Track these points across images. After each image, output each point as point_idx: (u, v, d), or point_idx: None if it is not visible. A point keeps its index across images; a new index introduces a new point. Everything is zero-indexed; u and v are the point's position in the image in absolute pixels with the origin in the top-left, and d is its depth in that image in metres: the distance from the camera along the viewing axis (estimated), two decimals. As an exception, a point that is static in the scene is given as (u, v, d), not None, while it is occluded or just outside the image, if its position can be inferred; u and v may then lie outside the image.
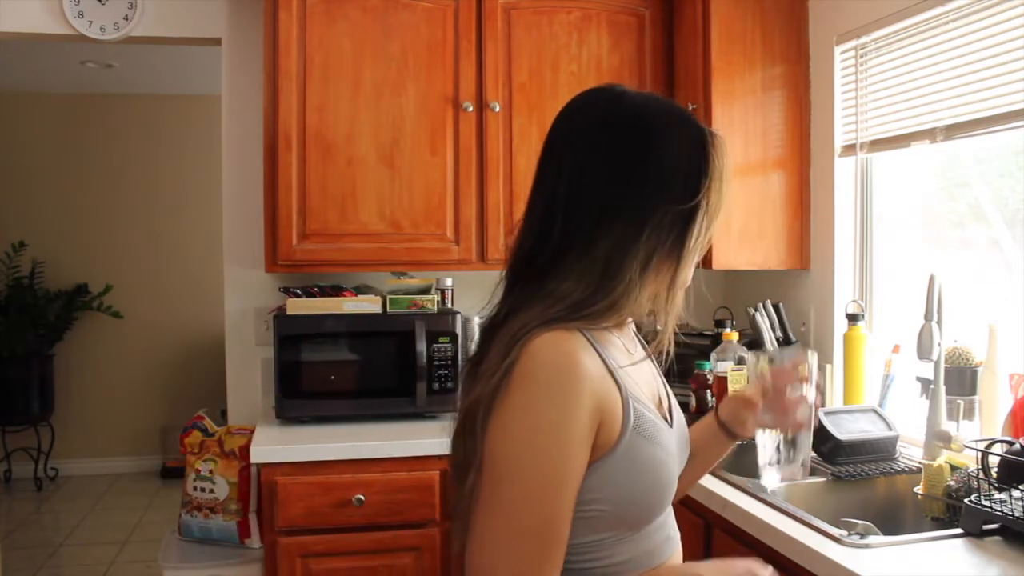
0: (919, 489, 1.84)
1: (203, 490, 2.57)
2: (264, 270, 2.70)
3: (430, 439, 2.39)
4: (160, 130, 6.05)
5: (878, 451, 2.10)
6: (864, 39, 2.42)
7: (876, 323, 2.49)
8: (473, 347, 1.17)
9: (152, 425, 6.02)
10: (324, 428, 2.52)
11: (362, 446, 2.37)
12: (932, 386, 2.05)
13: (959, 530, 1.59)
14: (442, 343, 2.62)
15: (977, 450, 1.64)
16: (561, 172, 1.10)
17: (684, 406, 2.47)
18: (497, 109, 2.70)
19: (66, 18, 2.82)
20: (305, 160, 2.61)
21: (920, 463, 1.99)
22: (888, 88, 2.35)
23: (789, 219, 2.67)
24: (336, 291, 2.70)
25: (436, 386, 2.61)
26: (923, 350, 1.98)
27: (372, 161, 2.65)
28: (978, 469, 1.63)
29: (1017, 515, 1.52)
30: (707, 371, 2.50)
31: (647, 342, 1.19)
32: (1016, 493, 1.54)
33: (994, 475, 1.62)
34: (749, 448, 1.40)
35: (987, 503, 1.57)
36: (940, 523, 1.75)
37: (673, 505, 1.19)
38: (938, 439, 1.99)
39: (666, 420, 1.16)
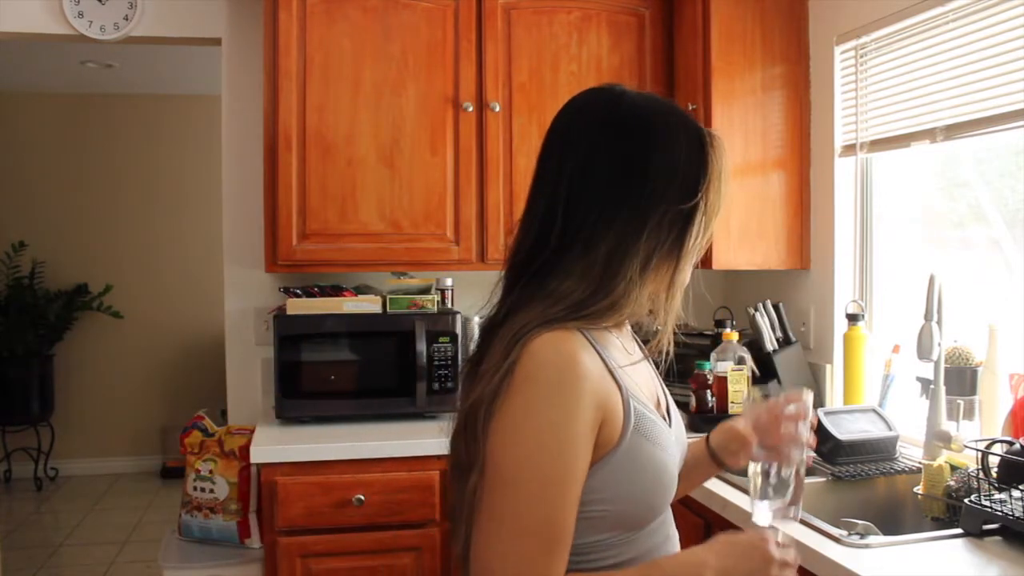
0: (919, 489, 1.85)
1: (203, 490, 2.57)
2: (264, 270, 2.70)
3: (430, 439, 2.39)
4: (160, 130, 6.06)
5: (878, 451, 2.10)
6: (864, 39, 2.42)
7: (876, 323, 2.49)
8: (472, 347, 1.17)
9: (152, 425, 6.02)
10: (324, 428, 2.52)
11: (362, 446, 2.37)
12: (932, 386, 2.05)
13: (959, 530, 1.59)
14: (442, 343, 2.62)
15: (977, 450, 1.64)
16: (561, 172, 1.10)
17: (684, 406, 2.49)
18: (497, 109, 2.70)
19: (66, 18, 2.82)
20: (305, 160, 2.61)
21: (920, 463, 1.99)
22: (888, 88, 2.35)
23: (789, 219, 2.67)
24: (336, 291, 2.70)
25: (436, 386, 2.61)
26: (923, 350, 1.98)
27: (372, 161, 2.65)
28: (978, 469, 1.63)
29: (1017, 515, 1.52)
30: (707, 371, 2.50)
31: (645, 342, 1.19)
32: (1016, 493, 1.54)
33: (994, 475, 1.62)
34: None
35: (987, 503, 1.57)
36: (940, 523, 1.76)
37: (672, 505, 1.19)
38: (938, 439, 1.99)
39: (664, 420, 1.16)
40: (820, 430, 2.05)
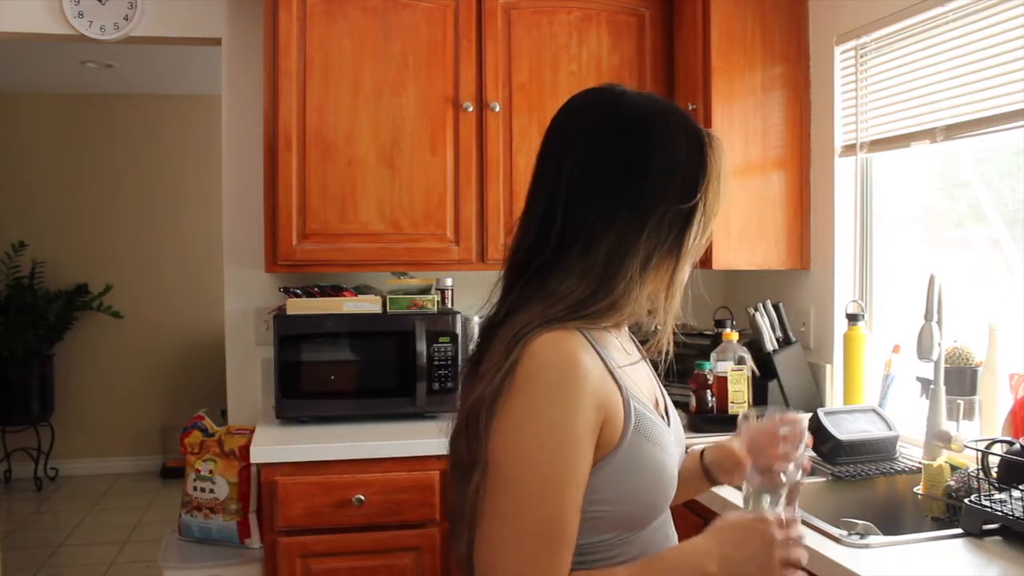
0: (919, 489, 1.84)
1: (203, 490, 2.57)
2: (264, 270, 2.70)
3: (430, 439, 2.39)
4: (160, 130, 6.06)
5: (878, 451, 2.10)
6: (864, 39, 2.42)
7: (876, 323, 2.49)
8: (472, 347, 1.17)
9: (152, 425, 6.02)
10: (324, 428, 2.52)
11: (362, 446, 2.37)
12: (932, 386, 2.05)
13: (959, 530, 1.59)
14: (442, 343, 2.62)
15: (977, 450, 1.64)
16: (561, 172, 1.10)
17: (684, 406, 2.49)
18: (497, 109, 2.70)
19: (66, 18, 2.82)
20: (305, 160, 2.61)
21: (920, 463, 1.99)
22: (888, 88, 2.35)
23: (789, 219, 2.67)
24: (336, 291, 2.70)
25: (436, 386, 2.61)
26: (923, 350, 1.98)
27: (372, 161, 2.65)
28: (978, 469, 1.63)
29: (1017, 515, 1.52)
30: (707, 371, 2.50)
31: (644, 342, 1.19)
32: (1016, 493, 1.54)
33: (994, 475, 1.62)
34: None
35: (987, 503, 1.57)
36: (940, 523, 1.75)
37: (671, 507, 1.20)
38: (938, 439, 1.99)
39: (663, 420, 1.16)
40: (820, 430, 2.05)
